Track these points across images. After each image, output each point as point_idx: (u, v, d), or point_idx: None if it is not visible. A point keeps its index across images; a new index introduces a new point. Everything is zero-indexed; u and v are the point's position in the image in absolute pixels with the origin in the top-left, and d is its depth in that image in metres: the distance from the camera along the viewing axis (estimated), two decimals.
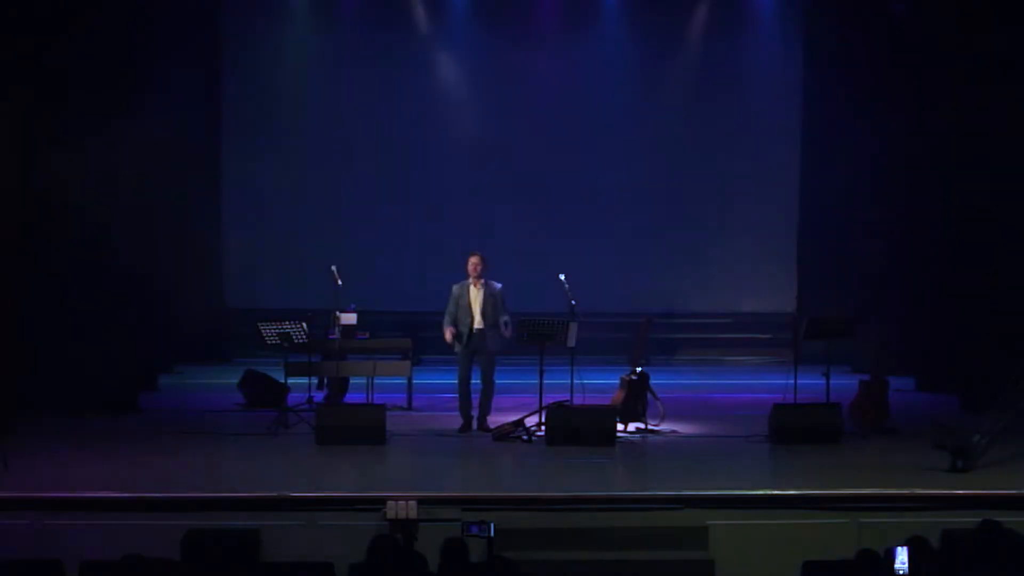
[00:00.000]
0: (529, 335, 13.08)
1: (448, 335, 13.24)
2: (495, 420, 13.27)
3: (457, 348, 13.30)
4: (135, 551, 7.81)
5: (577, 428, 12.62)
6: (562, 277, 13.52)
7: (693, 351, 18.76)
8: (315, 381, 14.55)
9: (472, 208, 18.45)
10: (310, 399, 13.91)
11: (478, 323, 13.20)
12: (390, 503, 10.20)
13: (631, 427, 13.27)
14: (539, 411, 12.92)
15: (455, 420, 13.43)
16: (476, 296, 13.22)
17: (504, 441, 12.84)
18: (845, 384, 13.95)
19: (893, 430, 13.42)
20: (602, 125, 18.74)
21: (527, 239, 18.22)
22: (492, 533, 8.63)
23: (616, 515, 10.40)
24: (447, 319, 13.28)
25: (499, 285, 13.29)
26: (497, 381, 13.40)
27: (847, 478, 11.25)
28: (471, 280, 13.22)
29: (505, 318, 13.23)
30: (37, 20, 13.65)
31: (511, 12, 18.73)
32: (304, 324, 13.51)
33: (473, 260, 13.21)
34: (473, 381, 13.35)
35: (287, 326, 13.49)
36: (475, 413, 13.32)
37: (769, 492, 10.84)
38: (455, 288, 13.29)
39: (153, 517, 10.15)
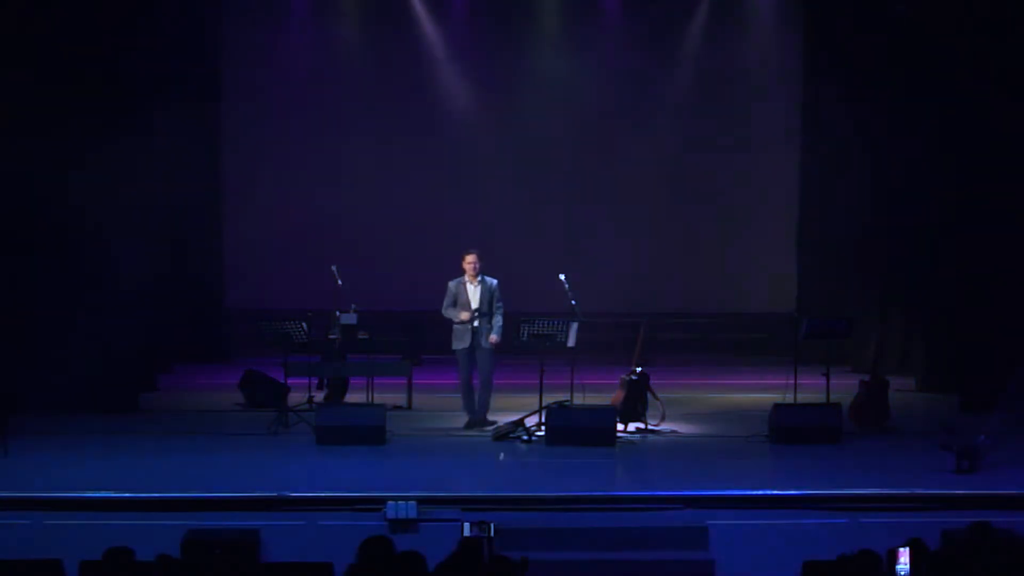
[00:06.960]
0: (529, 335, 13.08)
1: (465, 315, 13.13)
2: (495, 420, 13.28)
3: (456, 346, 13.29)
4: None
5: (577, 428, 12.62)
6: (562, 277, 13.51)
7: (693, 351, 18.74)
8: (315, 381, 14.54)
9: (472, 208, 18.44)
10: (310, 399, 13.91)
11: (476, 321, 13.20)
12: (390, 503, 10.21)
13: (631, 427, 13.26)
14: (539, 411, 12.92)
15: (455, 419, 13.46)
16: (474, 293, 13.23)
17: (504, 441, 12.84)
18: (845, 384, 13.97)
19: (893, 430, 13.44)
20: (602, 125, 18.72)
21: (527, 239, 18.21)
22: (492, 533, 8.63)
23: (616, 515, 10.40)
24: (451, 312, 13.25)
25: (495, 281, 13.30)
26: (497, 381, 13.39)
27: (847, 478, 11.25)
28: (467, 278, 13.23)
29: (498, 319, 13.21)
30: (39, 23, 13.68)
31: (511, 12, 18.71)
32: (304, 324, 13.49)
33: (470, 259, 13.19)
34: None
35: (287, 326, 13.47)
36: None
37: (769, 492, 10.84)
38: (451, 285, 13.28)
39: (153, 517, 10.15)
